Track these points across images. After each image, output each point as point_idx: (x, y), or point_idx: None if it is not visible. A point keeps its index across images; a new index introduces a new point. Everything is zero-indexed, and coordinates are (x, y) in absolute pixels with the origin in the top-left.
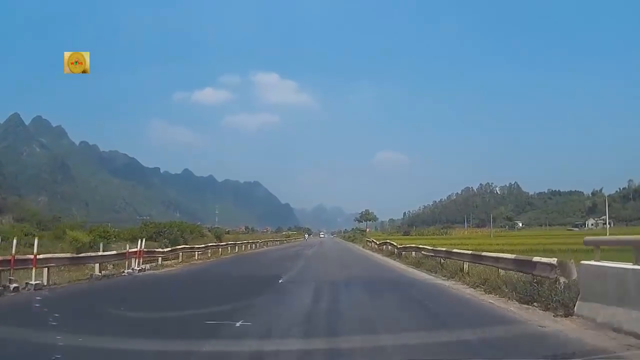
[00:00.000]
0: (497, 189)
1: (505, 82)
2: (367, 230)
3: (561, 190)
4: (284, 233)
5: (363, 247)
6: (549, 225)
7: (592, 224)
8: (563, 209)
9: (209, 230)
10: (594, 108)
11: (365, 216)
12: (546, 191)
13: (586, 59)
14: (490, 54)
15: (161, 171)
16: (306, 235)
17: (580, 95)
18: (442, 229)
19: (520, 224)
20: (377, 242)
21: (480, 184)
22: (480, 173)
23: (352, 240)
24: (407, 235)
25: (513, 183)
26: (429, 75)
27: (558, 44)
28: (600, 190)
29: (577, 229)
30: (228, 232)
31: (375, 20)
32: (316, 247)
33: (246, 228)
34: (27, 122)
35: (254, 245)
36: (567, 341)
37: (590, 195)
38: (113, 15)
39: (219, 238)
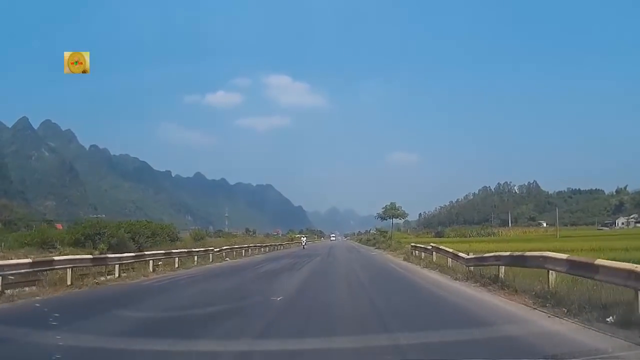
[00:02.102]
0: (515, 188)
1: (518, 81)
2: (393, 230)
3: (581, 189)
4: (295, 235)
5: (404, 260)
6: (573, 225)
7: (622, 223)
8: (588, 207)
9: (190, 233)
10: (609, 104)
11: (391, 211)
12: (566, 190)
13: (594, 56)
14: (503, 53)
15: (172, 174)
16: (304, 240)
17: (594, 92)
18: (483, 228)
19: (545, 224)
20: (471, 255)
21: (498, 183)
22: (497, 172)
23: (374, 245)
24: (441, 236)
25: (532, 182)
26: (440, 74)
27: (569, 40)
28: (625, 187)
29: (607, 228)
30: (220, 236)
31: (385, 19)
32: (315, 263)
33: (247, 230)
34: (35, 126)
35: (219, 254)
36: None
37: (614, 193)
38: (122, 18)
39: (198, 241)
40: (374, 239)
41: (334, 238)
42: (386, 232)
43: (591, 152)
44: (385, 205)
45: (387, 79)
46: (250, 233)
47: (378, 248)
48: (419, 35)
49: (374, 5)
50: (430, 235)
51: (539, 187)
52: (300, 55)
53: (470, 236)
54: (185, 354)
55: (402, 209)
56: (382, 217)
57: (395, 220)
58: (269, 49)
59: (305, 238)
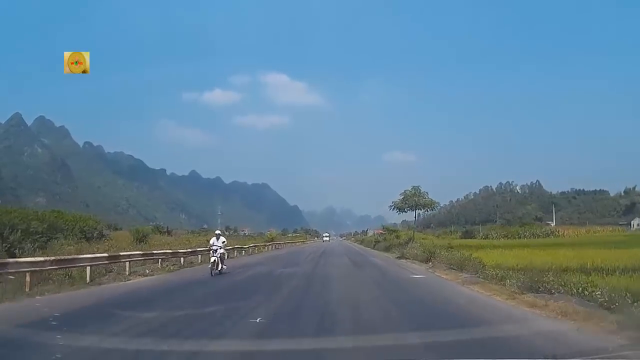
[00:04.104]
0: (517, 187)
1: (518, 81)
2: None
3: (585, 189)
4: (279, 234)
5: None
6: (583, 225)
7: (638, 224)
8: (596, 208)
9: (131, 230)
10: (610, 105)
11: (413, 199)
12: (569, 190)
13: (595, 56)
14: (503, 53)
15: (167, 172)
16: (218, 244)
17: (594, 93)
18: (531, 226)
19: (553, 224)
20: None
21: (500, 183)
22: (498, 172)
23: (387, 250)
24: (471, 237)
25: (534, 181)
26: (440, 73)
27: (569, 40)
28: (634, 188)
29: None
30: (203, 231)
31: (384, 19)
32: None
33: (227, 228)
34: (29, 122)
35: None
36: None
37: (622, 193)
38: (120, 14)
39: (141, 242)
40: (385, 239)
41: (327, 238)
42: (396, 230)
43: (592, 153)
44: (405, 191)
45: (386, 78)
46: (234, 232)
47: (403, 257)
48: (418, 34)
49: (373, 5)
50: (455, 236)
51: (542, 187)
52: (298, 54)
53: (522, 237)
54: None
55: (429, 195)
56: (400, 208)
57: (433, 209)
58: (267, 47)
59: (221, 240)
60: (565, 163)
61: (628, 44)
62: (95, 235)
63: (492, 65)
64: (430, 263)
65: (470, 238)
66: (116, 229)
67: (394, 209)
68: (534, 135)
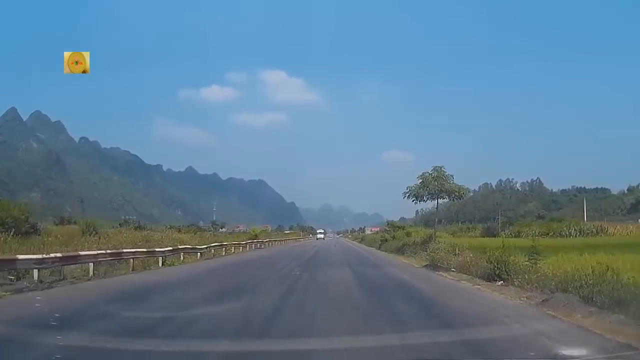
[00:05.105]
0: (517, 185)
1: (518, 80)
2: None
3: (586, 187)
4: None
5: None
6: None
7: None
8: (600, 206)
9: (80, 223)
10: (609, 105)
11: (435, 184)
12: (570, 188)
13: (595, 56)
14: (501, 53)
15: (164, 168)
16: None
17: (594, 93)
18: (574, 222)
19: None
20: None
21: (500, 180)
22: (497, 169)
23: (400, 251)
24: (494, 235)
25: (535, 179)
26: (440, 72)
27: (568, 40)
28: (638, 186)
29: None
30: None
31: (383, 18)
32: None
33: (213, 224)
34: (25, 117)
35: None
36: None
37: (626, 191)
38: (116, 11)
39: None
40: (393, 238)
41: (321, 236)
42: (403, 227)
43: (592, 152)
44: (423, 174)
45: (385, 76)
46: (222, 228)
47: (437, 267)
48: (418, 34)
49: (372, 4)
50: (474, 234)
51: (542, 184)
52: (296, 51)
53: (565, 235)
54: None
55: (454, 179)
56: (417, 196)
57: (463, 196)
58: (266, 45)
59: None
60: (565, 161)
61: (628, 44)
62: (24, 229)
63: (492, 65)
64: (502, 282)
65: (493, 236)
66: (70, 222)
67: (409, 196)
68: (534, 134)
